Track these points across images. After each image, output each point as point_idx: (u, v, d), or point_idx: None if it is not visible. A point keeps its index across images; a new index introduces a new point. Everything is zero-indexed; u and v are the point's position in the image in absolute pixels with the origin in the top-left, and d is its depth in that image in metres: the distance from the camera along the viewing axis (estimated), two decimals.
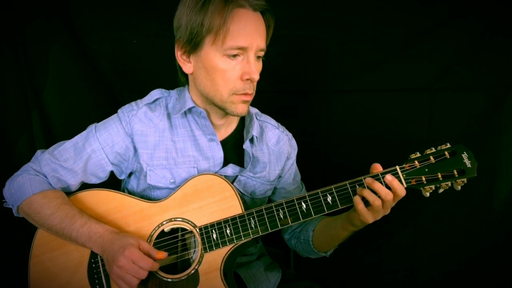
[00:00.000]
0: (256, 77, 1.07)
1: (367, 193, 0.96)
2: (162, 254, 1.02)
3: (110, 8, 1.70)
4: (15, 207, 1.13)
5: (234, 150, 1.21)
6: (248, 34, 1.02)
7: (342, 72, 1.73)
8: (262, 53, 1.09)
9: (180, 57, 1.11)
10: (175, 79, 1.23)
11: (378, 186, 0.96)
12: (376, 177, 0.98)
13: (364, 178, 0.99)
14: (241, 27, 1.01)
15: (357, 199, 0.98)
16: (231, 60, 1.04)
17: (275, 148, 1.28)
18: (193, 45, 1.05)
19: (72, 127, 1.28)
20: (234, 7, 1.01)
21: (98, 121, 1.20)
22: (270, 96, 1.67)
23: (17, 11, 1.68)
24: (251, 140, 1.22)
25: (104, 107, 1.78)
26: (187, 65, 1.11)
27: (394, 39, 1.67)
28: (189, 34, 1.04)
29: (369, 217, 0.99)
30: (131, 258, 0.97)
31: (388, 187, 0.96)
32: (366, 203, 0.98)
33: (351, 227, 1.08)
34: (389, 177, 0.96)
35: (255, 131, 1.21)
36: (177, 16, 1.08)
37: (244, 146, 1.19)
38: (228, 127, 1.22)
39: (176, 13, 1.08)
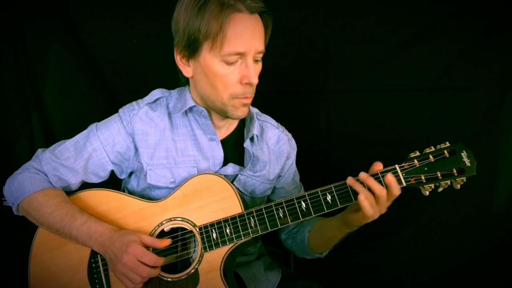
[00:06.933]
0: (255, 81, 1.05)
1: (358, 187, 0.96)
2: (166, 242, 1.04)
3: (110, 8, 1.71)
4: (15, 205, 1.13)
5: (234, 149, 1.21)
6: (246, 39, 1.01)
7: (342, 72, 1.73)
8: (260, 56, 1.08)
9: (179, 61, 1.11)
10: (175, 79, 1.23)
11: (371, 182, 0.95)
12: (376, 176, 0.98)
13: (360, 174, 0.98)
14: (238, 32, 0.99)
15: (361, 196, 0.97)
16: (229, 65, 1.03)
17: (275, 147, 1.28)
18: (192, 51, 1.04)
19: (72, 127, 1.28)
20: (231, 12, 0.98)
21: (98, 121, 1.20)
22: (270, 96, 1.67)
23: (17, 11, 1.68)
24: (251, 139, 1.22)
25: (104, 107, 1.78)
26: (186, 69, 1.11)
27: (394, 39, 1.67)
28: (187, 39, 1.03)
29: (370, 211, 0.95)
30: (134, 255, 0.97)
31: (384, 185, 0.96)
32: None
33: (346, 229, 1.07)
34: (389, 177, 0.95)
35: (255, 130, 1.21)
36: (174, 18, 1.07)
37: (245, 145, 1.19)
38: (229, 127, 1.23)
39: (174, 15, 1.07)
